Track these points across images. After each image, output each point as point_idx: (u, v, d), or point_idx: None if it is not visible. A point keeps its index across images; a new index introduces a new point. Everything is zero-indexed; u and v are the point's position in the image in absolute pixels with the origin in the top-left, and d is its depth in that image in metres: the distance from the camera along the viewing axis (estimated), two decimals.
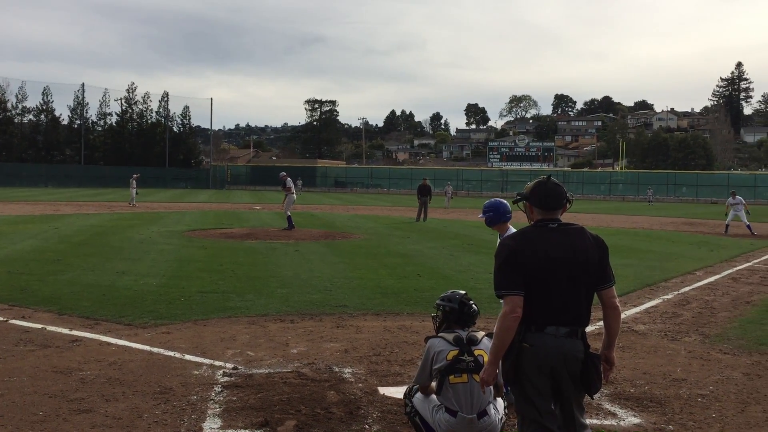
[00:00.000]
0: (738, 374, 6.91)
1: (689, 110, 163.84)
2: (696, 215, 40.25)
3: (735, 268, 15.52)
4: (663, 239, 23.16)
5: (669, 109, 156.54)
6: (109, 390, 5.90)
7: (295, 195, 23.85)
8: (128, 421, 5.20)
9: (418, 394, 4.83)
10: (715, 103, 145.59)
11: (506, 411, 4.82)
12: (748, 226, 26.20)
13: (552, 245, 3.78)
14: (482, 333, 4.78)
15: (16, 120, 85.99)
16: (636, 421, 5.51)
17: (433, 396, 4.71)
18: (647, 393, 6.22)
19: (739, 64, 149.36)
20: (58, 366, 6.59)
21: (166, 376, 6.35)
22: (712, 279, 13.69)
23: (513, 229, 6.02)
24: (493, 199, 6.28)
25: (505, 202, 6.20)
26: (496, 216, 6.08)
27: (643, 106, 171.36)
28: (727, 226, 26.83)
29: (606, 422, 5.46)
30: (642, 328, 9.04)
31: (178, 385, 6.06)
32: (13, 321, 8.50)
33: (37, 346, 7.31)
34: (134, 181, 38.64)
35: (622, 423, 5.46)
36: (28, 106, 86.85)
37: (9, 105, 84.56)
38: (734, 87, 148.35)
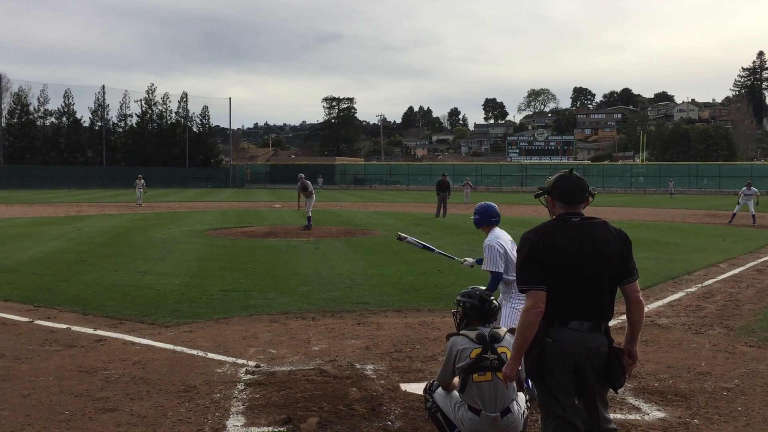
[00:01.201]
0: (764, 367, 6.82)
1: (710, 101, 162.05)
2: (719, 207, 39.75)
3: (759, 260, 15.34)
4: (686, 231, 22.94)
5: (690, 100, 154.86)
6: (134, 389, 5.95)
7: (314, 195, 23.91)
8: (153, 419, 5.25)
9: (440, 390, 4.82)
10: (737, 93, 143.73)
11: (528, 405, 4.80)
12: (753, 216, 27.10)
13: (575, 239, 3.75)
14: (504, 329, 4.75)
15: (38, 123, 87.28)
16: (660, 415, 5.46)
17: (455, 392, 4.69)
18: (671, 387, 6.16)
19: (761, 54, 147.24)
20: (83, 365, 6.66)
21: (189, 374, 6.40)
22: (736, 271, 13.53)
23: (499, 232, 6.11)
24: (483, 203, 6.46)
25: (495, 206, 6.39)
26: (482, 218, 6.29)
27: (663, 97, 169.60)
28: (733, 215, 27.56)
29: (630, 417, 5.42)
30: (665, 321, 8.96)
31: (201, 384, 6.11)
32: (39, 321, 8.60)
33: (62, 346, 7.40)
34: (141, 182, 39.38)
35: (646, 417, 5.41)
36: (50, 109, 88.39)
37: (31, 108, 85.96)
38: (756, 77, 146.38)
